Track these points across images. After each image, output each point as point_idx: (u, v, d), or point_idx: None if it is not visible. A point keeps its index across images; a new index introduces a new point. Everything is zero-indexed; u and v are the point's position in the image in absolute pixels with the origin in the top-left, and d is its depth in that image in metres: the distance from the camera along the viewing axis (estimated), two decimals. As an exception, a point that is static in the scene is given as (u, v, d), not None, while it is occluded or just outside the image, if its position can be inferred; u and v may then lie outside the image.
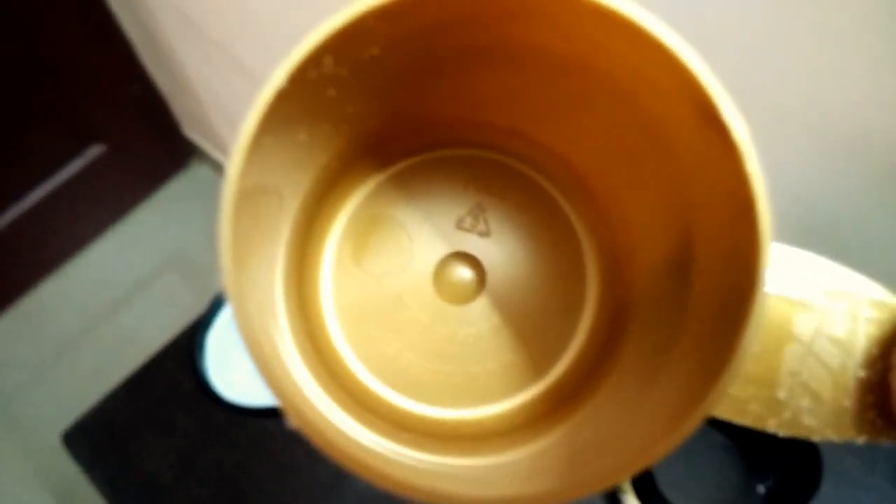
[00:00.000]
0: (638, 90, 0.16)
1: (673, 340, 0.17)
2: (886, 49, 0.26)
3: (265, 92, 0.14)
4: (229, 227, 0.14)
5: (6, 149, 1.01)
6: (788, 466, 0.43)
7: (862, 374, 0.18)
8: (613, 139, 0.19)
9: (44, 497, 1.02)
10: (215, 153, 1.23)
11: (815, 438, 0.18)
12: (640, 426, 0.16)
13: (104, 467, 0.56)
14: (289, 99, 0.14)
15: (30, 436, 1.07)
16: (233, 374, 0.59)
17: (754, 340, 0.14)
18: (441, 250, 0.21)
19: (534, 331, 0.21)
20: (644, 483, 0.42)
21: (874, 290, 0.19)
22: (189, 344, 0.61)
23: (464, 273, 0.21)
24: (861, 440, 0.18)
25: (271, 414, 0.56)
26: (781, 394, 0.18)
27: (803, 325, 0.18)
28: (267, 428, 0.56)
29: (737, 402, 0.18)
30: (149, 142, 1.22)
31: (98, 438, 0.58)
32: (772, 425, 0.18)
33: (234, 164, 0.14)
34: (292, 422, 0.15)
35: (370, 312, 0.21)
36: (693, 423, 0.14)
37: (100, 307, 1.16)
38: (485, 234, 0.22)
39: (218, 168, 1.26)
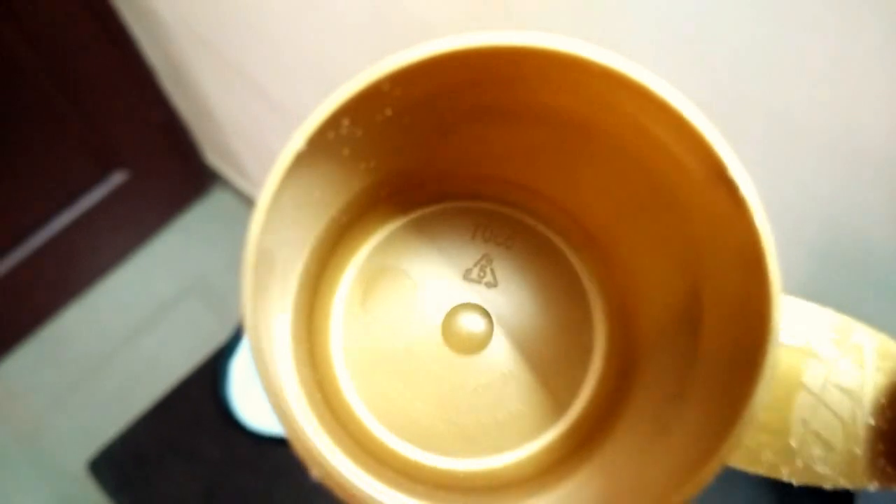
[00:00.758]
0: (644, 148, 0.17)
1: (684, 390, 0.17)
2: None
3: (284, 154, 0.14)
4: (250, 288, 0.14)
5: (29, 176, 1.02)
6: (821, 498, 0.42)
7: (872, 422, 0.18)
8: (620, 195, 0.20)
9: (65, 523, 1.02)
10: (237, 179, 1.25)
11: (828, 486, 0.18)
12: (653, 477, 0.16)
13: (130, 495, 0.56)
14: (306, 160, 0.15)
15: (52, 462, 1.07)
16: (256, 402, 0.59)
17: (767, 391, 0.14)
18: (449, 302, 0.22)
19: (543, 381, 0.21)
20: None
21: (880, 340, 0.19)
22: (213, 371, 0.61)
23: (472, 324, 0.22)
24: (873, 488, 0.18)
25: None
26: (793, 442, 0.18)
27: (812, 375, 0.18)
28: (290, 456, 0.56)
29: (749, 451, 0.18)
30: (171, 168, 1.23)
31: (124, 466, 0.58)
32: (785, 474, 0.18)
33: (254, 223, 0.15)
34: (314, 473, 0.15)
35: (380, 363, 0.21)
36: (707, 475, 0.14)
37: (122, 333, 1.17)
38: (492, 284, 0.22)
39: (239, 194, 1.27)
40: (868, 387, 0.18)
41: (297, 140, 0.14)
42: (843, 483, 0.18)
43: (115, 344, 1.17)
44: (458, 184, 0.22)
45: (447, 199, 0.23)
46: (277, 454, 0.57)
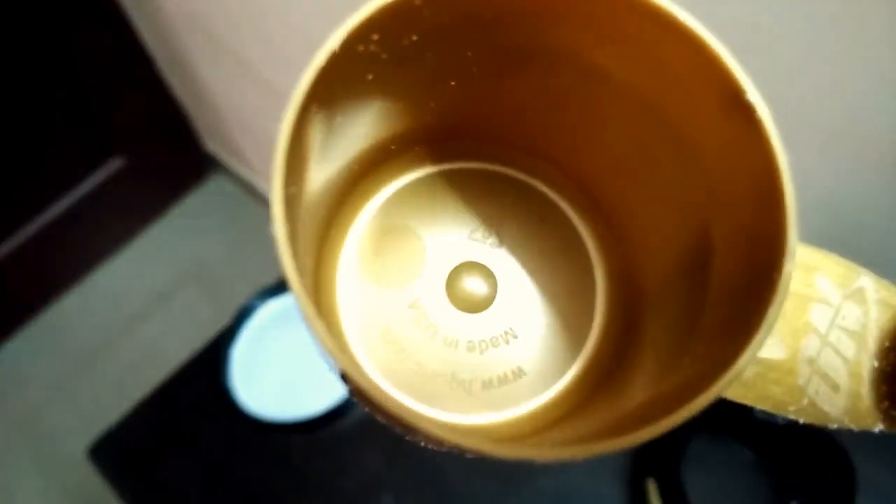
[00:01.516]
0: (657, 86, 0.17)
1: (693, 329, 0.17)
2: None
3: (318, 56, 0.14)
4: (284, 231, 0.13)
5: (27, 163, 1.02)
6: (820, 483, 0.42)
7: (875, 364, 0.19)
8: (629, 146, 0.20)
9: (66, 509, 1.03)
10: (235, 166, 1.24)
11: (833, 426, 0.19)
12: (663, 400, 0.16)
13: (130, 481, 0.56)
14: (335, 70, 0.15)
15: (52, 448, 1.07)
16: (258, 389, 0.59)
17: (779, 313, 0.14)
18: (453, 260, 0.22)
19: (546, 339, 0.22)
20: (674, 500, 0.41)
21: (884, 286, 0.19)
22: (213, 357, 0.61)
23: (476, 282, 0.22)
24: (878, 429, 0.19)
25: (296, 428, 0.56)
26: (800, 381, 0.18)
27: (818, 317, 0.19)
28: (292, 442, 0.57)
29: (758, 387, 0.18)
30: (169, 154, 1.23)
31: (124, 452, 0.58)
32: (792, 411, 0.18)
33: (287, 117, 0.14)
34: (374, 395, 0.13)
35: (383, 320, 0.21)
36: (721, 386, 0.13)
37: (121, 320, 1.17)
38: (497, 245, 0.22)
39: (238, 181, 1.27)
40: (872, 330, 0.19)
41: (333, 41, 0.14)
42: (849, 423, 0.19)
43: (114, 331, 1.17)
44: (467, 145, 0.23)
45: (455, 160, 0.23)
46: (278, 441, 0.57)
